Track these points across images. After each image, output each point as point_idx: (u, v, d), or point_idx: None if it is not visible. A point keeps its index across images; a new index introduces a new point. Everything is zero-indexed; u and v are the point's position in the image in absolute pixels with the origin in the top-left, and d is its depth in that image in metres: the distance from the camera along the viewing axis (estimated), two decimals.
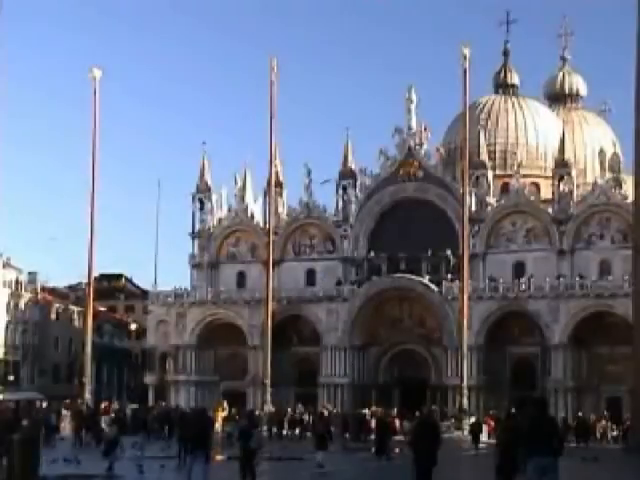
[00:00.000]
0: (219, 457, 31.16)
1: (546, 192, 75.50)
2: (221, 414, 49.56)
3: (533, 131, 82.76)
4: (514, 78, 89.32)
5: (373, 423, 50.52)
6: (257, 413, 45.81)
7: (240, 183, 78.07)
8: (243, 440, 22.91)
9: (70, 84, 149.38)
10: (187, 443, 23.02)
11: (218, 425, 45.00)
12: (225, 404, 56.48)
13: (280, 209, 75.49)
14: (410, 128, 74.30)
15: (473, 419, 48.60)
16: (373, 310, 70.96)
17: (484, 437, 44.34)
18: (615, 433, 53.15)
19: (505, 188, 75.79)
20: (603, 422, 54.33)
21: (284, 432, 50.56)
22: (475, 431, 41.76)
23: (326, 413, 46.63)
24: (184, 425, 28.13)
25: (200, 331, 74.17)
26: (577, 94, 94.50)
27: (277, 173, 71.57)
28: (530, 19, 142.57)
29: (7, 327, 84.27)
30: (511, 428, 18.63)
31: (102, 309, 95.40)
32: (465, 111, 59.99)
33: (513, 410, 32.38)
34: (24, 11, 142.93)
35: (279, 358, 66.60)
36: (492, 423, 45.99)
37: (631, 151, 38.81)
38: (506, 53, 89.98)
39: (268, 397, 57.99)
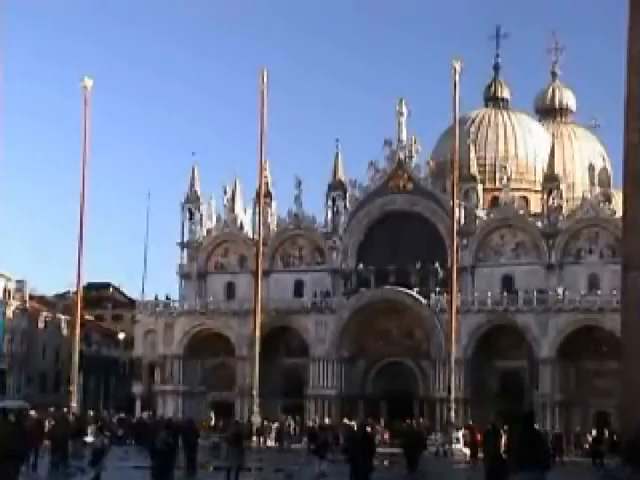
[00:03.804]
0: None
1: (535, 206, 75.68)
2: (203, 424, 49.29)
3: (523, 145, 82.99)
4: (504, 92, 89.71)
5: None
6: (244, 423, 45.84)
7: (230, 193, 77.99)
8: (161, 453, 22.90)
9: (60, 93, 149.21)
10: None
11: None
12: (212, 415, 56.33)
13: (269, 220, 75.41)
14: (400, 140, 74.40)
15: (462, 432, 48.43)
16: (361, 322, 70.82)
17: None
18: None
19: (494, 201, 75.97)
20: (589, 437, 54.04)
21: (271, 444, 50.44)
22: (473, 442, 41.66)
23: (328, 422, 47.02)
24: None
25: (188, 341, 73.95)
26: (567, 109, 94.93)
27: (267, 184, 71.52)
28: (521, 34, 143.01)
29: None
30: (499, 441, 18.78)
31: (90, 318, 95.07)
32: (455, 124, 60.11)
33: (497, 423, 32.39)
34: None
35: (267, 369, 66.34)
36: (479, 436, 45.84)
37: (620, 166, 38.82)
38: (496, 67, 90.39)
39: (256, 408, 57.77)
